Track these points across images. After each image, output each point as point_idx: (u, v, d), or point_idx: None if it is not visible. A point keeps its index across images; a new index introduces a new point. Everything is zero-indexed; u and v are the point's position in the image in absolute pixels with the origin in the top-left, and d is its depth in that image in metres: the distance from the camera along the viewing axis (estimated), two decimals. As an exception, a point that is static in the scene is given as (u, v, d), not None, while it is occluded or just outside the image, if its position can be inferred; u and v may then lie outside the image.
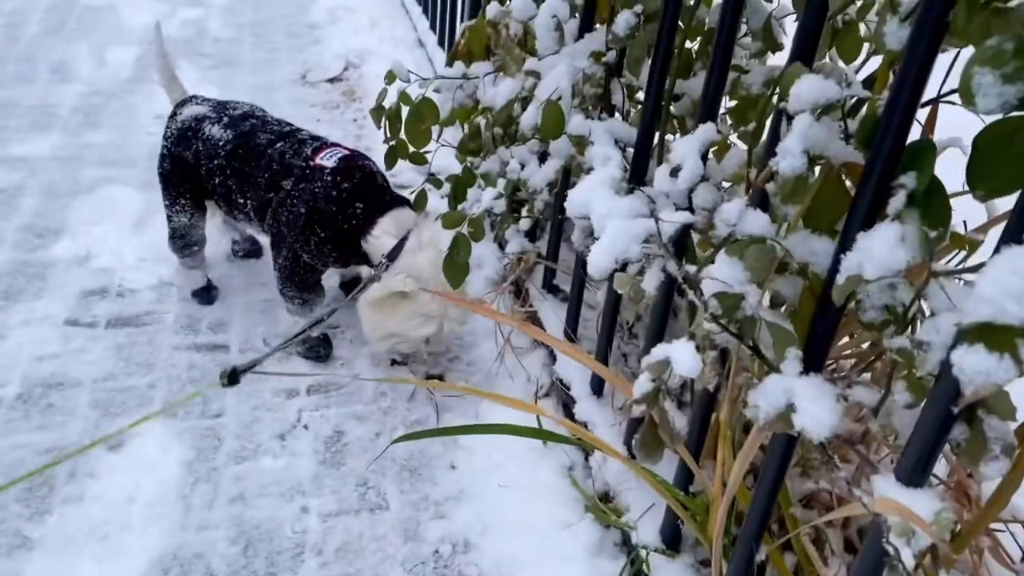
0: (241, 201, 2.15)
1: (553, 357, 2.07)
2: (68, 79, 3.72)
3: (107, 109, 3.50)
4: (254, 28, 4.46)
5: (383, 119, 2.00)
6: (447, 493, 1.90)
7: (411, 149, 2.24)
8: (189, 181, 2.22)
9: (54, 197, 2.89)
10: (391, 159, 2.27)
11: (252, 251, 2.65)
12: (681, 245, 1.40)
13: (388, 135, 2.01)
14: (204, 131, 2.17)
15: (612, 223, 1.35)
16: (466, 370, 2.25)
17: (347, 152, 2.09)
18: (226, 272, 2.59)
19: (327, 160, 2.04)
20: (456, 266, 1.71)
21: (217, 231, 2.57)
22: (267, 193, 2.08)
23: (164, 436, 2.00)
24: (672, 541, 1.53)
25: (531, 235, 2.31)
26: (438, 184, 2.38)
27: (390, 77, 1.93)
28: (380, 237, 2.02)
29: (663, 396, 1.07)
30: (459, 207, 2.29)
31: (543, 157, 1.83)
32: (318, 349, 2.25)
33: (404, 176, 2.98)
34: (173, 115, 2.26)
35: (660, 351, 1.08)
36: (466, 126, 2.13)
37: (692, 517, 1.44)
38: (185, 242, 2.34)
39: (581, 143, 1.54)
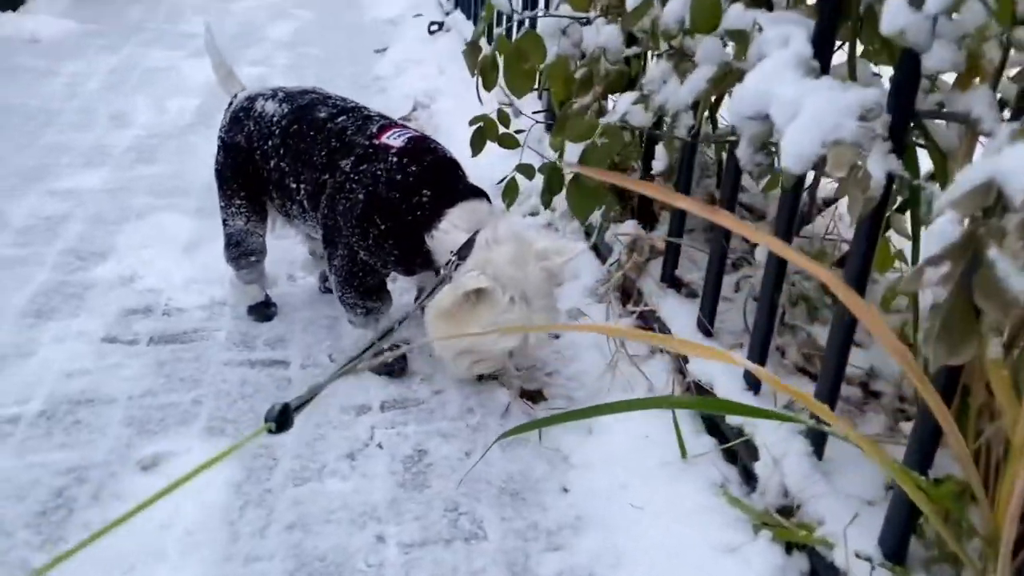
0: (294, 186, 1.84)
1: (685, 358, 1.67)
2: (125, 125, 3.56)
3: (163, 148, 3.30)
4: (319, 84, 4.32)
5: (476, 68, 1.70)
6: (561, 520, 1.49)
7: (500, 129, 1.94)
8: (244, 174, 1.93)
9: (101, 224, 2.63)
10: (478, 141, 1.98)
11: None
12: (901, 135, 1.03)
13: (481, 83, 1.71)
14: (257, 109, 1.90)
15: (813, 98, 1.00)
16: (566, 385, 1.87)
17: (417, 134, 1.79)
18: (287, 289, 2.28)
19: (394, 140, 1.73)
20: (586, 192, 1.36)
21: (282, 252, 2.28)
22: (323, 175, 1.76)
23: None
24: (896, 553, 1.09)
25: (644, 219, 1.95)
26: (530, 174, 2.07)
27: (489, 11, 1.64)
28: (448, 232, 1.68)
29: (987, 237, 0.68)
30: (552, 202, 1.97)
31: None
32: (392, 364, 1.89)
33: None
34: (228, 105, 2.00)
35: (978, 172, 0.70)
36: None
37: (936, 514, 1.01)
38: (241, 250, 2.03)
39: (742, 39, 1.20)
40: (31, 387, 1.83)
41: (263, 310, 2.12)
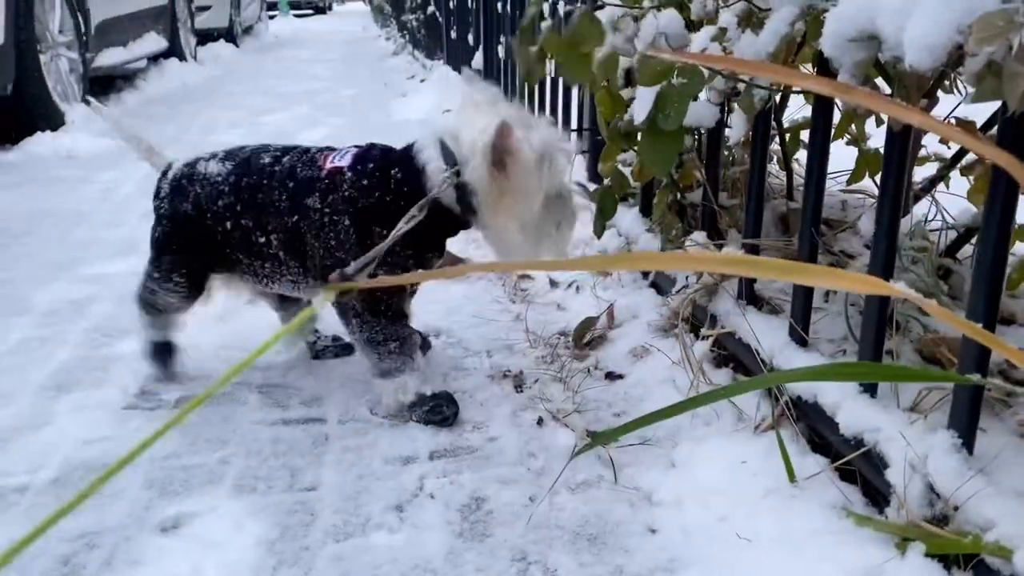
0: (263, 240, 1.69)
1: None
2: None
3: (195, 235, 3.21)
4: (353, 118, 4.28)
5: (522, 62, 1.58)
6: (651, 563, 1.25)
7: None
8: (190, 245, 1.77)
9: (128, 303, 2.50)
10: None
11: (344, 347, 2.07)
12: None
13: (525, 74, 1.58)
14: (200, 172, 1.76)
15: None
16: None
17: (356, 147, 1.70)
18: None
19: (340, 160, 1.65)
20: (664, 140, 1.18)
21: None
22: (291, 218, 1.64)
23: (237, 512, 1.43)
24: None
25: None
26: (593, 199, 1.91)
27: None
28: (430, 160, 1.58)
29: None
30: (604, 230, 1.81)
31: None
32: (442, 409, 1.69)
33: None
34: (162, 175, 1.85)
35: None
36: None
37: None
38: (155, 309, 1.90)
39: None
40: (44, 456, 1.65)
41: (163, 355, 1.93)
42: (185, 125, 5.79)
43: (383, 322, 1.65)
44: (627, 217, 2.24)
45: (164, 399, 1.88)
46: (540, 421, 1.67)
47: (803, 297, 1.42)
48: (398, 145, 1.70)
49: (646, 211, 2.15)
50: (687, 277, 1.77)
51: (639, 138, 1.20)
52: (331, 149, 1.72)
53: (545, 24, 1.57)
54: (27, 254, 3.00)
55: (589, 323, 1.99)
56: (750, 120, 1.37)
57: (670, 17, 1.44)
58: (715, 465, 1.37)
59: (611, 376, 1.82)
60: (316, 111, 6.21)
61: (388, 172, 1.60)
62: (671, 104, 1.14)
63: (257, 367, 2.03)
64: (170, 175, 1.81)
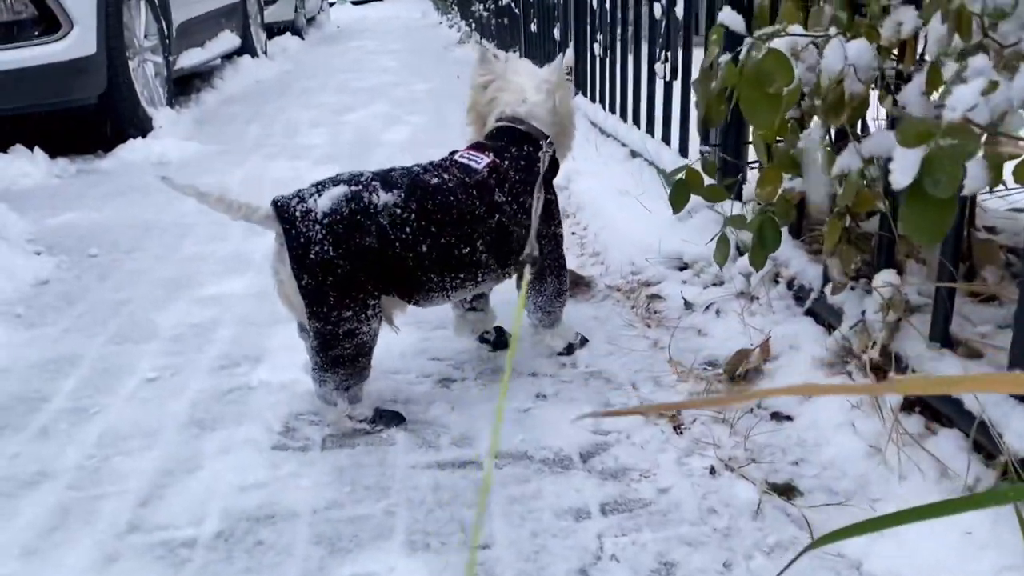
0: (467, 250, 1.82)
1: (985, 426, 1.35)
2: (261, 233, 3.44)
3: (302, 250, 3.19)
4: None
5: (704, 100, 1.49)
6: (877, 647, 1.16)
7: (706, 180, 1.71)
8: (377, 273, 1.76)
9: (252, 327, 2.49)
10: (681, 196, 1.74)
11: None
12: None
13: (705, 118, 1.49)
14: (375, 204, 1.74)
15: None
16: (822, 475, 1.55)
17: (464, 153, 1.97)
18: (459, 382, 2.05)
19: (482, 159, 1.91)
20: (931, 209, 1.07)
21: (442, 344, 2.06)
22: (491, 219, 1.84)
23: (417, 573, 1.38)
24: None
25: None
26: (739, 223, 1.82)
27: (718, 34, 1.43)
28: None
29: None
30: (764, 262, 1.71)
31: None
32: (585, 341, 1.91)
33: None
34: (299, 216, 1.71)
35: None
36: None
37: None
38: (366, 360, 1.84)
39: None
40: (203, 504, 1.63)
41: (390, 418, 1.90)
42: (267, 126, 5.80)
43: (565, 273, 2.04)
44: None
45: (312, 438, 1.85)
46: (712, 471, 1.58)
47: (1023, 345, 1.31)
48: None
49: (796, 233, 2.04)
50: (863, 312, 1.66)
51: (903, 203, 1.09)
52: (450, 160, 1.93)
53: (724, 58, 1.47)
54: (140, 271, 3.01)
55: (742, 356, 1.90)
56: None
57: (860, 48, 1.33)
58: (932, 534, 1.28)
59: (778, 417, 1.73)
60: (394, 108, 6.17)
61: (526, 152, 1.94)
62: (942, 168, 1.03)
63: (398, 400, 1.99)
64: (331, 216, 1.70)
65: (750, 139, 1.73)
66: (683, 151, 2.91)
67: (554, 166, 2.00)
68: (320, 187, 1.77)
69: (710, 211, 2.53)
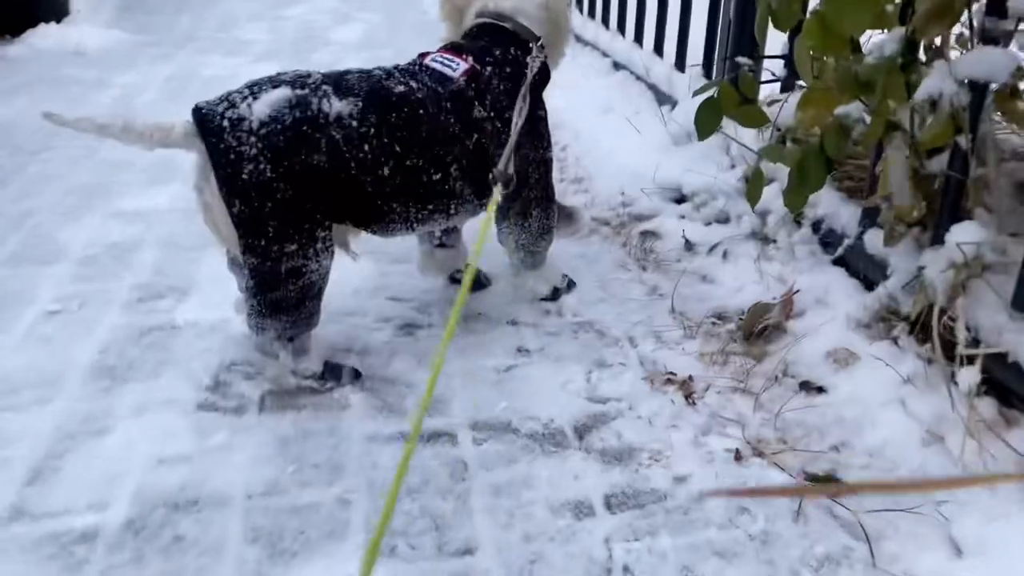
0: (438, 176, 1.49)
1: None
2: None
3: (239, 160, 2.79)
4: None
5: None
6: None
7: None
8: (327, 197, 1.42)
9: (177, 251, 2.12)
10: (709, 118, 1.44)
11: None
12: None
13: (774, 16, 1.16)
14: (324, 113, 1.39)
15: None
16: (871, 463, 1.30)
17: (441, 54, 1.60)
18: (427, 332, 1.74)
19: (460, 65, 1.55)
20: None
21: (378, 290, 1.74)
22: (469, 138, 1.51)
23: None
24: None
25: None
26: (777, 156, 1.51)
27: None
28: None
29: None
30: (804, 204, 1.41)
31: None
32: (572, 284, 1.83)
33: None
34: (228, 127, 1.35)
35: None
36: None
37: None
38: (315, 304, 1.51)
39: None
40: (110, 482, 1.30)
41: (343, 374, 1.57)
42: (200, 16, 5.22)
43: (552, 206, 1.72)
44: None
45: (247, 396, 1.52)
46: (738, 455, 1.32)
47: None
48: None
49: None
50: (920, 268, 1.38)
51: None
52: (420, 64, 1.57)
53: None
54: (48, 177, 2.59)
55: (761, 311, 1.63)
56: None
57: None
58: (1021, 552, 1.03)
59: (808, 388, 1.46)
60: (343, 3, 5.63)
61: (512, 56, 1.60)
62: None
63: (352, 351, 1.67)
64: (261, 122, 1.37)
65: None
66: (679, 64, 2.56)
67: (544, 75, 1.66)
68: (255, 89, 1.40)
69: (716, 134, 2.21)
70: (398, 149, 1.43)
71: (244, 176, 1.34)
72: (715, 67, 2.32)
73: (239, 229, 1.39)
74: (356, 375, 1.56)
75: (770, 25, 1.46)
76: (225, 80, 3.87)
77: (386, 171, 1.43)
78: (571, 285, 1.85)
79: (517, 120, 1.49)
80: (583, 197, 2.29)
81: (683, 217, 2.10)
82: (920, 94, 1.18)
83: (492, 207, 1.27)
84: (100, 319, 1.78)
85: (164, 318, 1.80)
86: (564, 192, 2.35)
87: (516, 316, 1.77)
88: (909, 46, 1.23)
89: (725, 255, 1.91)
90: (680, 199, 2.17)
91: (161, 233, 2.21)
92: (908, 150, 1.35)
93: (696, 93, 1.52)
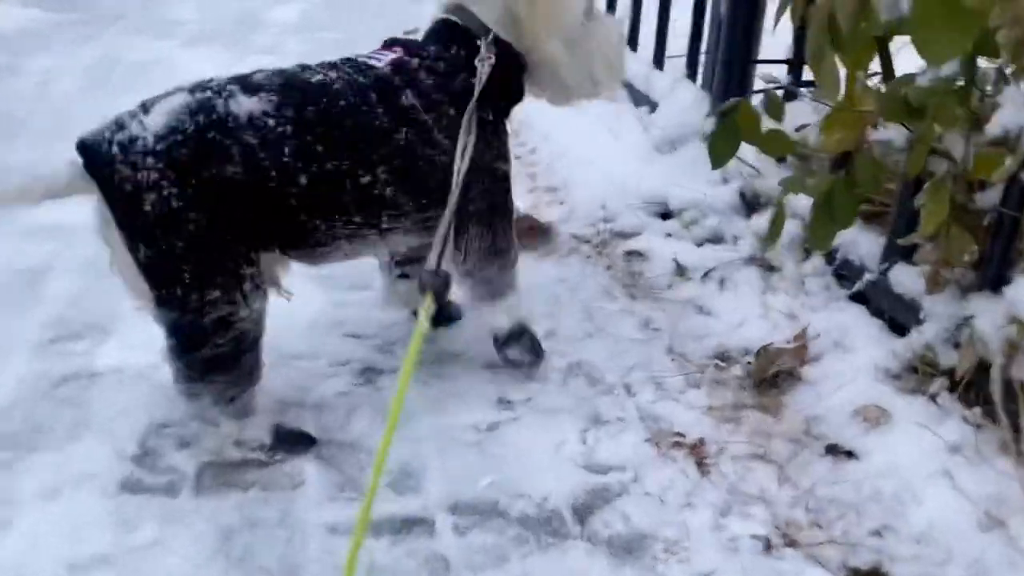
0: (369, 179, 1.23)
1: None
2: None
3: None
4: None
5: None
6: None
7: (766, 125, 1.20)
8: (247, 218, 1.20)
9: (98, 276, 1.83)
10: (725, 144, 1.24)
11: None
12: None
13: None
14: (234, 115, 1.17)
15: None
16: (921, 554, 1.12)
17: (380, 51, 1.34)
18: (391, 359, 1.51)
19: (383, 58, 1.29)
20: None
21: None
22: (399, 133, 1.24)
23: None
24: None
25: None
26: (797, 186, 1.31)
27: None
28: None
29: None
30: (830, 240, 1.23)
31: None
32: (537, 347, 1.51)
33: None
34: (118, 153, 1.13)
35: None
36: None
37: None
38: (255, 355, 1.28)
39: None
40: (9, 595, 1.06)
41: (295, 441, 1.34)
42: (125, -4, 4.83)
43: (505, 224, 1.39)
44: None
45: (181, 471, 1.28)
46: (768, 545, 1.13)
47: None
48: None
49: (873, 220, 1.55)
50: (966, 318, 1.20)
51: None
52: (342, 59, 1.31)
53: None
54: (-53, 186, 2.26)
55: (773, 356, 1.44)
56: None
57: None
58: None
59: (836, 452, 1.28)
60: (285, -19, 5.28)
61: (453, 54, 1.31)
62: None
63: (305, 406, 1.44)
64: (158, 136, 1.13)
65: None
66: (657, 61, 2.35)
67: (510, 85, 1.37)
68: (147, 104, 1.19)
69: (701, 144, 2.02)
70: (319, 149, 1.20)
71: (147, 209, 1.12)
72: (702, 69, 2.12)
73: (149, 279, 1.17)
74: (310, 441, 1.33)
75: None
76: (153, 66, 3.55)
77: (306, 177, 1.20)
78: (533, 353, 1.51)
79: (459, 164, 1.21)
80: (559, 210, 2.07)
81: (671, 235, 1.90)
82: (994, 128, 0.99)
83: (424, 314, 1.05)
84: (2, 368, 1.51)
85: (81, 364, 1.54)
86: (537, 203, 2.13)
87: (493, 359, 1.55)
88: (968, 68, 1.04)
89: (722, 283, 1.71)
90: (666, 214, 1.97)
91: (80, 254, 1.93)
92: (953, 181, 1.17)
93: (721, 113, 1.29)
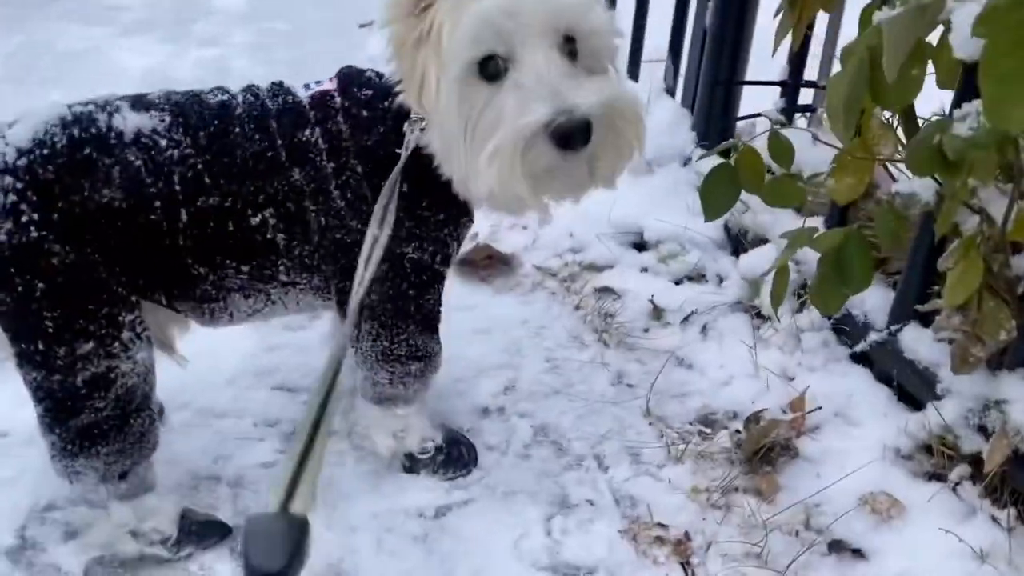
0: (258, 220, 1.01)
1: None
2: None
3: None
4: (294, 66, 3.28)
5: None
6: None
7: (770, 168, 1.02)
8: (126, 257, 0.99)
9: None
10: (721, 194, 1.05)
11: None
12: None
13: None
14: (117, 130, 0.97)
15: None
16: None
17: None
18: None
19: (315, 86, 1.07)
20: None
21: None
22: (289, 172, 1.01)
23: None
24: None
25: None
26: (804, 239, 1.13)
27: None
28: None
29: None
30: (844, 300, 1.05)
31: None
32: (461, 454, 1.25)
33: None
34: None
35: None
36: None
37: None
38: (146, 415, 1.06)
39: None
40: None
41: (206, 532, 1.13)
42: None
43: (411, 329, 1.12)
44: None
45: (65, 569, 1.06)
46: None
47: None
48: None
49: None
50: (997, 402, 1.03)
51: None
52: (276, 84, 1.08)
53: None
54: None
55: (767, 429, 1.25)
56: None
57: None
58: None
59: (840, 550, 1.10)
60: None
61: (390, 103, 1.03)
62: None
63: (223, 481, 1.22)
64: (21, 150, 0.93)
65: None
66: (632, 71, 2.15)
67: (434, 191, 1.04)
68: (15, 119, 0.98)
69: (680, 167, 1.83)
70: (207, 180, 1.00)
71: (1, 240, 0.91)
72: (679, 88, 1.92)
73: (5, 330, 0.96)
74: (224, 531, 1.12)
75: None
76: (85, 57, 3.27)
77: (188, 213, 0.99)
78: (460, 456, 1.25)
79: (369, 249, 0.96)
80: (522, 237, 1.87)
81: (646, 270, 1.71)
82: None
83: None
84: None
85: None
86: (497, 229, 1.92)
87: (443, 415, 1.35)
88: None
89: (705, 330, 1.53)
90: (641, 245, 1.77)
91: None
92: (987, 243, 0.99)
93: (721, 153, 1.10)
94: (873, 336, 1.28)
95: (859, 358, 1.33)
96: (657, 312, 1.59)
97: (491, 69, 0.91)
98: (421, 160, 1.01)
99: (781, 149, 1.06)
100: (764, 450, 1.25)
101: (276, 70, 3.25)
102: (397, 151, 1.01)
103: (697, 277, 1.67)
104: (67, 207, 0.94)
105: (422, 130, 1.00)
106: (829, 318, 1.37)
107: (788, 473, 1.23)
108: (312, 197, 1.02)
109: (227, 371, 1.44)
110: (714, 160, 1.15)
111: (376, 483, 1.22)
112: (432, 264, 1.09)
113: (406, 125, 1.01)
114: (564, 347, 1.54)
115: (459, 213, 1.08)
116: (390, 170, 1.00)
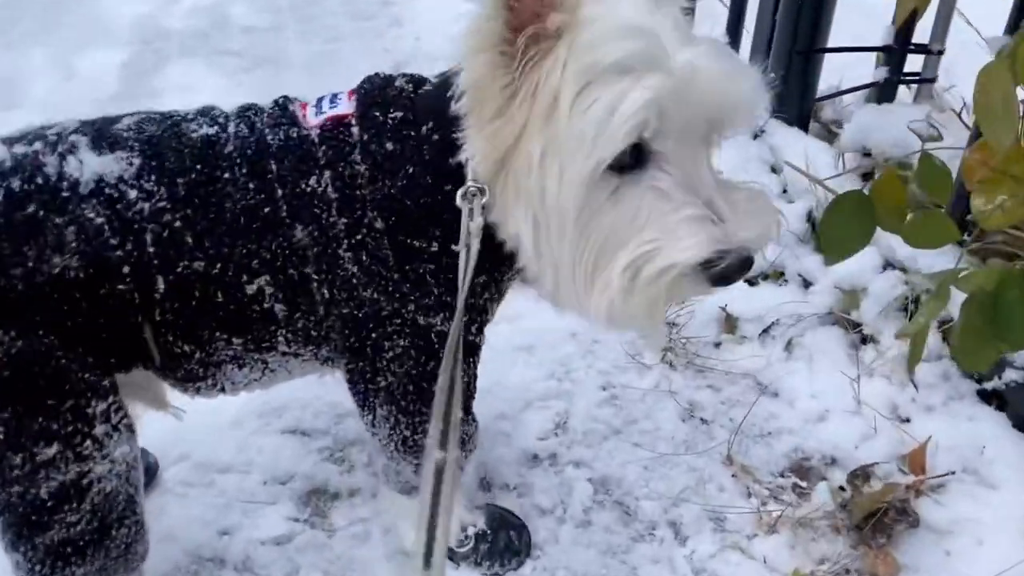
0: (254, 290, 0.81)
1: None
2: (14, 100, 2.29)
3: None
4: (297, 12, 2.98)
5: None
6: None
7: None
8: (89, 336, 0.79)
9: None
10: (856, 223, 0.80)
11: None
12: None
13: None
14: (70, 178, 0.77)
15: None
16: None
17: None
18: (351, 474, 1.10)
19: (329, 108, 0.84)
20: None
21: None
22: (291, 231, 0.80)
23: None
24: None
25: None
26: (952, 280, 0.87)
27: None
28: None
29: None
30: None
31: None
32: (512, 543, 1.03)
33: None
34: None
35: None
36: None
37: None
38: (130, 523, 0.87)
39: None
40: None
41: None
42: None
43: (423, 412, 0.89)
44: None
45: None
46: None
47: None
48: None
49: (960, 228, 1.11)
50: None
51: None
52: (303, 104, 0.87)
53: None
54: None
55: (883, 493, 1.03)
56: None
57: None
58: None
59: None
60: None
61: (426, 131, 0.81)
62: None
63: (227, 564, 1.03)
64: None
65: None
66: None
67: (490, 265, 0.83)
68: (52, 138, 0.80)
69: (751, 140, 1.56)
70: (188, 240, 0.80)
71: None
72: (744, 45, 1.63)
73: None
74: None
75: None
76: (67, 3, 2.99)
77: (166, 281, 0.79)
78: (511, 546, 1.04)
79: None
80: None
81: (713, 266, 1.46)
82: None
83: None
84: None
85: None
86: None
87: (489, 466, 1.14)
88: None
89: (790, 346, 1.29)
90: (705, 234, 1.52)
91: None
92: None
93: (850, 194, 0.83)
94: (1011, 375, 1.04)
95: (988, 396, 1.09)
96: (730, 323, 1.36)
97: (622, 157, 0.69)
98: (453, 204, 0.77)
99: (935, 176, 0.80)
100: (878, 515, 1.03)
101: (280, 18, 2.96)
102: (430, 200, 0.78)
103: (775, 276, 1.42)
104: (5, 284, 0.74)
105: (483, 206, 0.76)
106: (948, 340, 1.13)
107: (908, 548, 1.01)
108: (316, 262, 0.80)
109: (229, 412, 1.23)
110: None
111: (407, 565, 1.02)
112: (466, 336, 0.85)
113: (460, 198, 0.76)
114: (622, 370, 1.32)
115: (503, 271, 0.85)
116: (420, 226, 0.79)
